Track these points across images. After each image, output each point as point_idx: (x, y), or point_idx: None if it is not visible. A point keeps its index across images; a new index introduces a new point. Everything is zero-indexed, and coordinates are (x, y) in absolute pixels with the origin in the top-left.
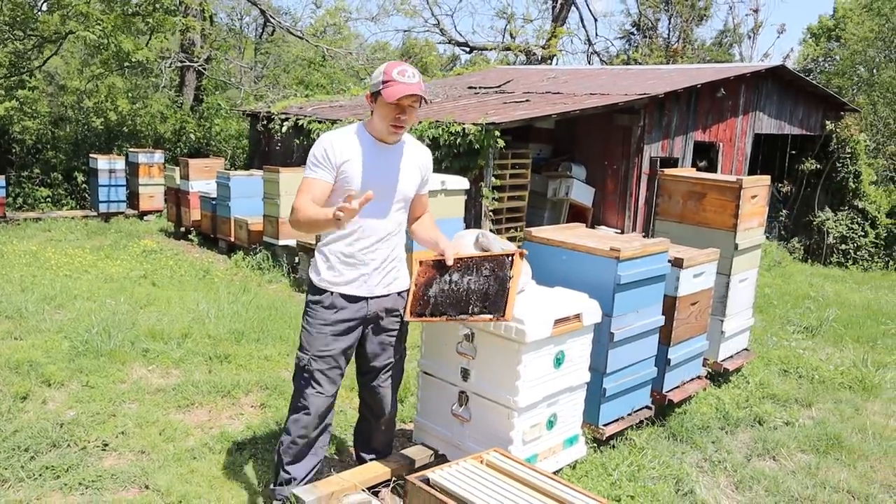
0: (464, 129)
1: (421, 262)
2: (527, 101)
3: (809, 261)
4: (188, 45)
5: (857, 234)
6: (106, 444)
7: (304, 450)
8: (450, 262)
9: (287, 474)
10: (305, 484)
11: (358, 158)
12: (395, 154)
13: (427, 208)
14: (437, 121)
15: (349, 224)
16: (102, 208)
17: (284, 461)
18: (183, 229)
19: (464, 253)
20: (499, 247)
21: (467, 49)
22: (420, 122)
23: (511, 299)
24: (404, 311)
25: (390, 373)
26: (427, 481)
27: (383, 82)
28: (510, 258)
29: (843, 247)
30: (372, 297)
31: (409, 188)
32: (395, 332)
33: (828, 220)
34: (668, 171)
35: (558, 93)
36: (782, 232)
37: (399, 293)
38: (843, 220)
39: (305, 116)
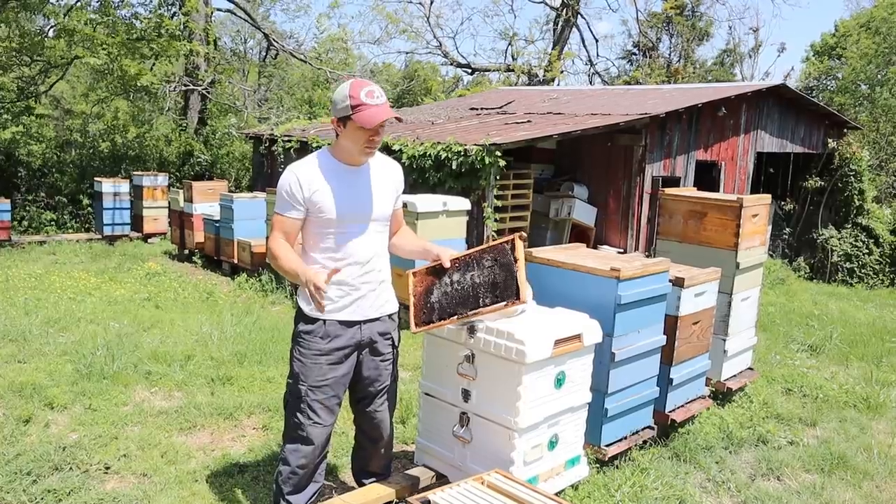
0: (465, 149)
1: (415, 274)
2: (528, 121)
3: (814, 279)
4: (192, 68)
5: (861, 251)
6: (108, 467)
7: (304, 480)
8: (447, 264)
9: None
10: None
11: (327, 187)
12: (364, 174)
13: (402, 222)
14: (439, 142)
15: (334, 252)
16: (107, 231)
17: (285, 491)
18: (187, 252)
19: (458, 252)
20: None
21: (469, 70)
22: (423, 144)
23: (522, 281)
24: (397, 334)
25: (386, 396)
26: (428, 503)
27: (352, 106)
28: (510, 243)
29: (848, 264)
30: (365, 321)
31: (386, 207)
32: (388, 356)
33: (831, 237)
34: (668, 190)
35: (560, 113)
36: (786, 250)
37: (389, 316)
38: (846, 237)
39: (308, 138)
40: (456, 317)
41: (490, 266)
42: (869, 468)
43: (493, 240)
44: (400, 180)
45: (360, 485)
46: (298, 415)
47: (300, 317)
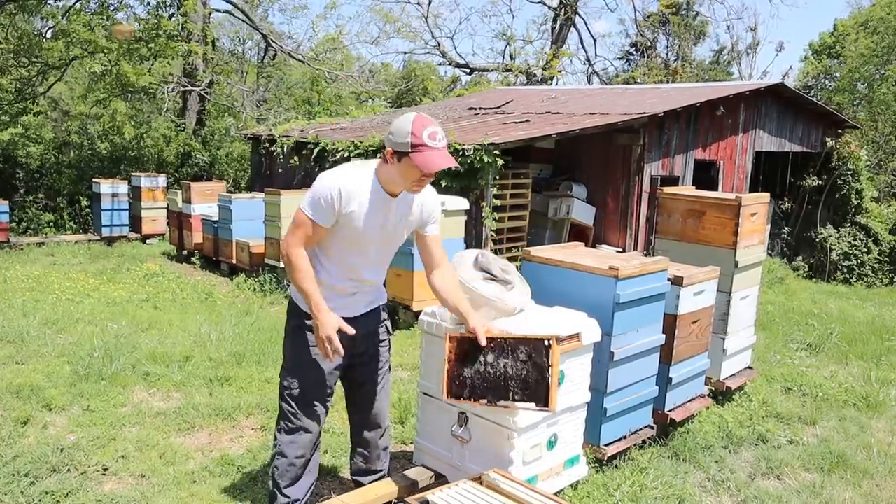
0: (464, 149)
1: (451, 338)
2: (527, 121)
3: (813, 278)
4: (191, 69)
5: (860, 250)
6: (106, 469)
7: (300, 471)
8: (482, 343)
9: (286, 498)
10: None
11: (363, 209)
12: (400, 204)
13: (444, 259)
14: None
15: (340, 264)
16: (105, 232)
17: (282, 484)
18: (185, 252)
19: (496, 331)
20: (498, 267)
21: (468, 70)
22: None
23: (553, 390)
24: (389, 322)
25: (382, 382)
26: (427, 503)
27: (412, 145)
28: (547, 344)
29: (847, 263)
30: (358, 316)
31: (405, 234)
32: (385, 342)
33: (830, 236)
34: (667, 189)
35: (558, 113)
36: (785, 249)
37: (381, 306)
38: (845, 236)
39: (308, 138)
40: (485, 401)
41: (524, 360)
42: (868, 467)
43: (492, 240)
44: (431, 210)
45: (359, 485)
46: (294, 406)
47: (293, 310)
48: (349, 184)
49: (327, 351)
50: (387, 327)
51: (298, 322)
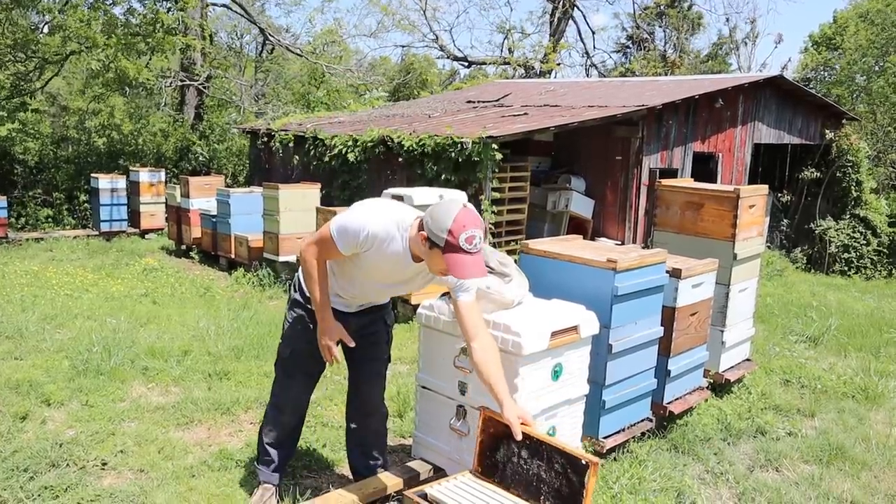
0: (462, 142)
1: (487, 419)
2: (525, 114)
3: (812, 270)
4: (188, 63)
5: (859, 242)
6: (105, 464)
7: (283, 436)
8: (518, 438)
9: (267, 455)
10: (280, 466)
11: (383, 260)
12: (420, 267)
13: (479, 330)
14: (436, 135)
15: (350, 284)
16: (104, 227)
17: (265, 440)
18: (184, 247)
19: (533, 429)
20: (496, 260)
21: (466, 64)
22: (419, 137)
23: None
24: (391, 317)
25: (378, 368)
26: (425, 496)
27: (447, 243)
28: (585, 464)
29: (846, 255)
30: (355, 312)
31: (424, 284)
32: (383, 335)
33: (829, 228)
34: (665, 181)
35: (556, 105)
36: (784, 241)
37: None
38: (844, 228)
39: (306, 132)
40: (513, 491)
41: (560, 472)
42: (867, 458)
43: (490, 233)
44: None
45: (358, 478)
46: (283, 375)
47: (300, 290)
48: (381, 233)
49: (326, 356)
50: (384, 319)
51: (297, 297)
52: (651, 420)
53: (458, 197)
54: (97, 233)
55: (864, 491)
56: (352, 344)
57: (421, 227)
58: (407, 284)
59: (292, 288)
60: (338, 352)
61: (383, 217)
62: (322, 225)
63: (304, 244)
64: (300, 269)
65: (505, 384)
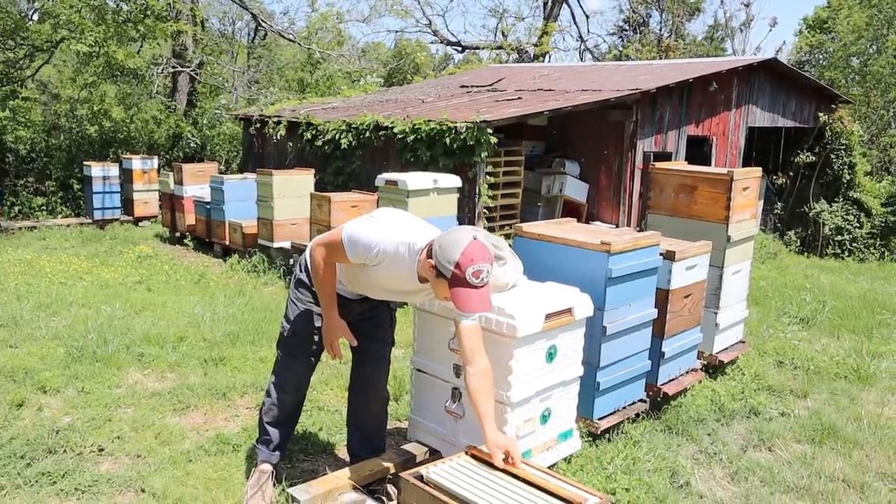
0: (456, 127)
1: (472, 456)
2: (519, 98)
3: (805, 253)
4: (180, 49)
5: (852, 225)
6: (102, 449)
7: (282, 416)
8: (498, 465)
9: (266, 435)
10: (280, 446)
11: (389, 273)
12: (427, 285)
13: (476, 356)
14: (430, 120)
15: (354, 286)
16: (97, 215)
17: (265, 420)
18: (178, 234)
19: (517, 470)
20: (489, 243)
21: (459, 48)
22: (412, 121)
23: None
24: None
25: (381, 348)
26: (421, 478)
27: (454, 276)
28: None
29: (839, 238)
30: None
31: (427, 299)
32: (386, 313)
33: (823, 211)
34: (659, 164)
35: (550, 90)
36: (778, 224)
37: None
38: (838, 211)
39: (299, 118)
40: None
41: None
42: (859, 438)
43: (485, 217)
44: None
45: (355, 460)
46: (285, 354)
47: (305, 271)
48: (391, 253)
49: (331, 353)
50: (388, 302)
51: (303, 279)
52: (645, 401)
53: (468, 229)
54: (90, 221)
55: (855, 469)
56: (355, 343)
57: (430, 254)
58: (410, 297)
59: (298, 268)
60: (340, 350)
61: (396, 237)
62: (315, 209)
63: (314, 242)
64: (307, 251)
65: (492, 414)
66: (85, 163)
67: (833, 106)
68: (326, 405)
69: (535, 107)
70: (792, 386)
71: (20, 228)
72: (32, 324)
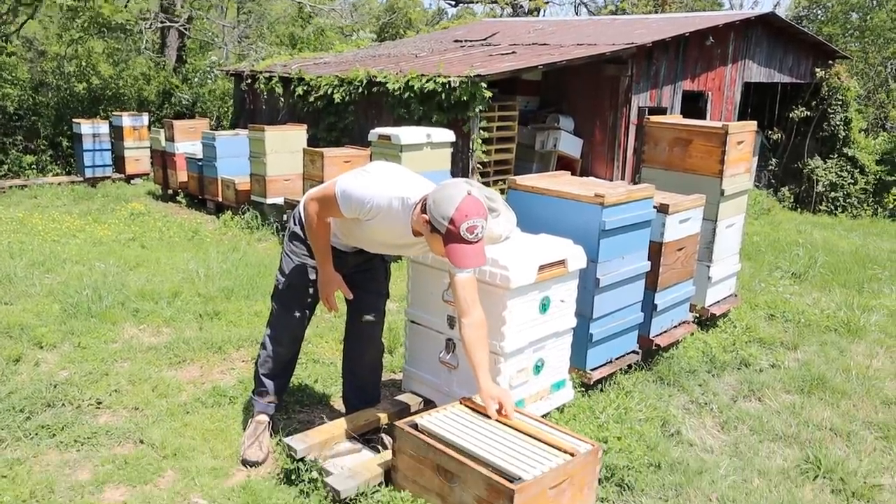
0: (450, 81)
1: (464, 404)
2: (513, 53)
3: (798, 209)
4: (168, 4)
5: (846, 181)
6: (100, 402)
7: (278, 367)
8: (492, 417)
9: (262, 386)
10: (276, 397)
11: (382, 231)
12: (419, 241)
13: (471, 307)
14: (423, 74)
15: (348, 239)
16: (88, 173)
17: (261, 371)
18: (170, 191)
19: (510, 421)
20: (483, 195)
21: (453, 3)
22: (406, 76)
23: None
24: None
25: (379, 300)
26: (416, 426)
27: (448, 231)
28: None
29: (833, 194)
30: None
31: (422, 252)
32: (381, 266)
33: (817, 168)
34: (654, 118)
35: (545, 44)
36: (771, 181)
37: None
38: (832, 167)
39: (291, 73)
40: None
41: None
42: (847, 388)
43: (478, 173)
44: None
45: (350, 410)
46: (280, 307)
47: (299, 223)
48: (384, 207)
49: (326, 305)
50: (382, 255)
51: (297, 232)
52: (637, 353)
53: (462, 184)
54: (81, 179)
55: (843, 419)
56: (350, 296)
57: (424, 209)
58: (404, 250)
59: (292, 220)
60: (336, 303)
61: (389, 192)
62: (308, 165)
63: (307, 196)
64: (301, 204)
65: (486, 365)
66: (74, 120)
67: (830, 62)
68: (321, 358)
69: (529, 61)
70: (783, 338)
71: (11, 187)
72: (27, 281)
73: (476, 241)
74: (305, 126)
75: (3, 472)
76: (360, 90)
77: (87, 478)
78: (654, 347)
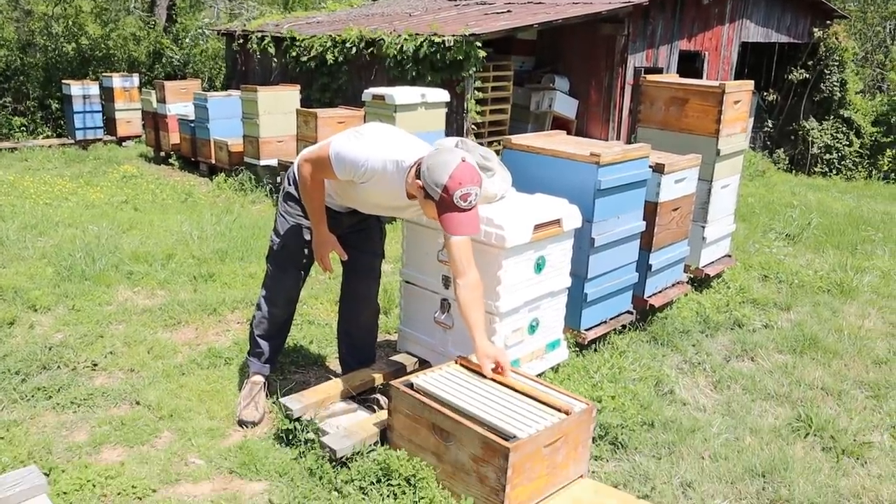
0: (444, 41)
1: (459, 364)
2: (508, 11)
3: (793, 171)
4: None
5: (841, 143)
6: (95, 364)
7: (273, 329)
8: (487, 376)
9: (258, 347)
10: (271, 358)
11: (378, 191)
12: (415, 201)
13: (466, 268)
14: (417, 34)
15: (343, 200)
16: (79, 135)
17: (256, 333)
18: (163, 153)
19: (505, 379)
20: (478, 154)
21: None
22: (399, 35)
23: None
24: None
25: (375, 260)
26: (411, 385)
27: (441, 199)
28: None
29: (828, 156)
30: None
31: (416, 214)
32: (374, 219)
33: (812, 129)
34: (650, 77)
35: (540, 2)
36: (767, 142)
37: None
38: (828, 129)
39: (283, 33)
40: None
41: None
42: (838, 348)
43: (473, 133)
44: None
45: (347, 371)
46: (275, 268)
47: (293, 183)
48: (378, 170)
49: (321, 266)
50: (377, 216)
51: (292, 192)
52: (632, 313)
53: (451, 146)
54: (73, 141)
55: (834, 378)
56: (345, 257)
57: (419, 174)
58: (399, 212)
59: (286, 181)
60: (330, 264)
61: (383, 154)
62: (302, 126)
63: (301, 157)
64: (295, 164)
65: (482, 325)
66: (63, 81)
67: (828, 22)
68: (317, 319)
69: (524, 20)
70: (776, 299)
71: (1, 150)
72: (19, 244)
73: (470, 209)
74: (298, 87)
75: (0, 433)
76: (354, 50)
77: (84, 439)
78: (648, 308)
